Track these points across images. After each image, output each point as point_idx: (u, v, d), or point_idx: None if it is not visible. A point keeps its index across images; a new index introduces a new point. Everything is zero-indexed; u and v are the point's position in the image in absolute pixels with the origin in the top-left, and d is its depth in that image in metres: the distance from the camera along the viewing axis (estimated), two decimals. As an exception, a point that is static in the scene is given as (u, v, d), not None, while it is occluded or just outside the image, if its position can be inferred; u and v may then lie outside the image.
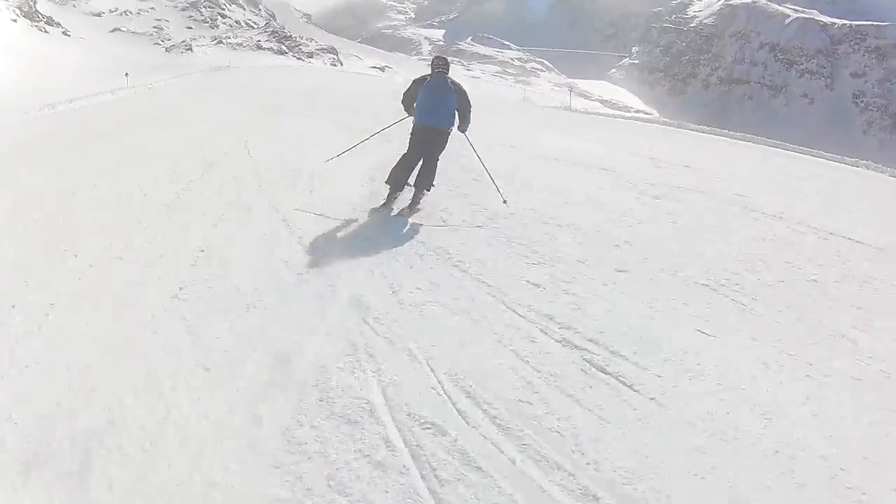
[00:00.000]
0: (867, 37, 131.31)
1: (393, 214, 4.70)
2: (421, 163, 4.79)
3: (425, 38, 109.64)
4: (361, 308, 3.10)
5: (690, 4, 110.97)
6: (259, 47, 52.65)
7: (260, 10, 75.36)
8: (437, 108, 4.71)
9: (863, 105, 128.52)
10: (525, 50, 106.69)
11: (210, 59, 38.59)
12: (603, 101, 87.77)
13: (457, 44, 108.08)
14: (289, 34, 56.99)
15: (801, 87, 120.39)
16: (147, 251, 3.73)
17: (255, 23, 66.32)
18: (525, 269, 3.78)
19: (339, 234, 4.29)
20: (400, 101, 4.99)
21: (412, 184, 4.82)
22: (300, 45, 55.33)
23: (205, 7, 62.91)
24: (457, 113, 4.83)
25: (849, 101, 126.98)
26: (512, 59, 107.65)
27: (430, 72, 4.84)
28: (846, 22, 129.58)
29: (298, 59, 51.00)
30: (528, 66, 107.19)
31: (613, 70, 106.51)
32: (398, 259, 3.80)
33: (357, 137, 6.04)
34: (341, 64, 58.48)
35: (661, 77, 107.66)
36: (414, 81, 4.88)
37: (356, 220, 4.57)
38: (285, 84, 20.81)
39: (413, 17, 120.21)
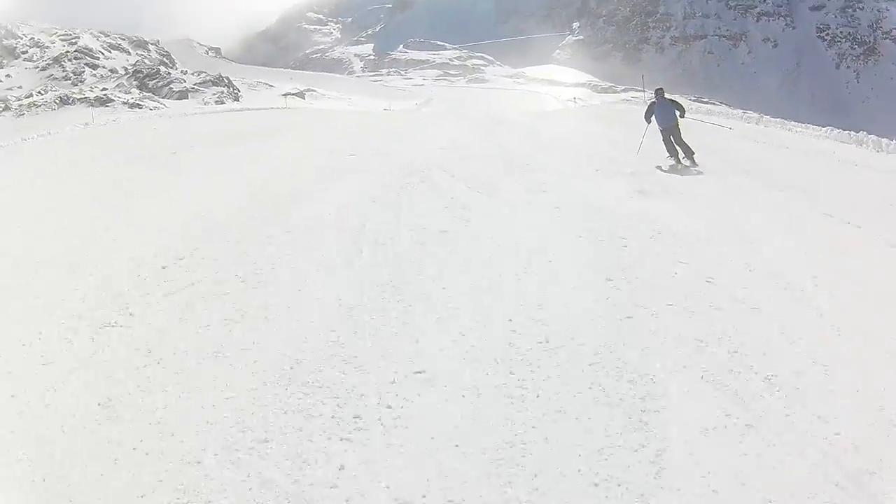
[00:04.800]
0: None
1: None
2: (673, 139, 8.63)
3: (355, 55, 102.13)
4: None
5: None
6: (63, 102, 39.24)
7: (149, 50, 66.06)
8: (667, 114, 8.76)
9: (829, 38, 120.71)
10: (461, 47, 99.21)
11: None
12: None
13: (389, 54, 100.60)
14: (156, 70, 47.56)
15: (761, 31, 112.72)
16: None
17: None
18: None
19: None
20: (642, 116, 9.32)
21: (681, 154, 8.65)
22: (171, 82, 45.74)
23: (70, 60, 54.04)
24: (677, 112, 8.80)
25: (814, 37, 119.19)
26: (451, 59, 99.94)
27: (654, 97, 9.07)
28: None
29: (131, 106, 38.10)
30: (470, 62, 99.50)
31: (557, 51, 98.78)
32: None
33: None
34: (236, 99, 48.48)
35: (610, 48, 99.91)
36: (650, 104, 9.13)
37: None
38: None
39: (339, 37, 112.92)
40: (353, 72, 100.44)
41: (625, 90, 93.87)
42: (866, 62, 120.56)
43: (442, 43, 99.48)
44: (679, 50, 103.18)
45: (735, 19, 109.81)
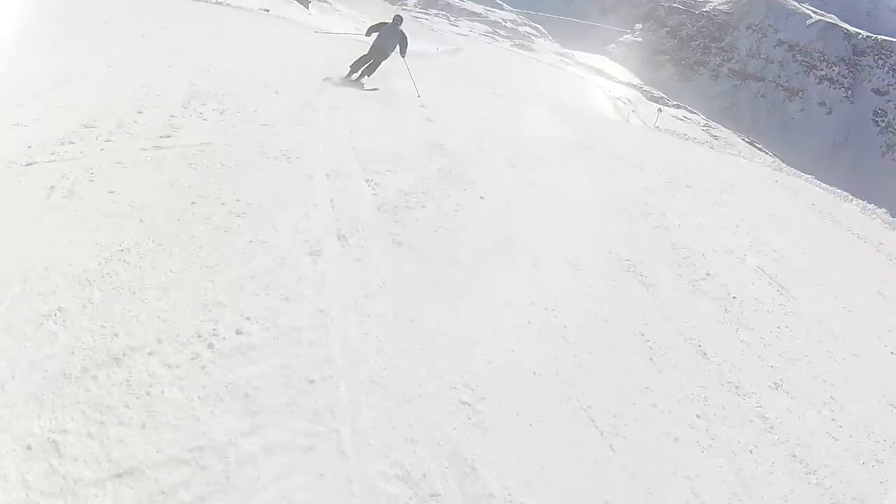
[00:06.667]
0: (893, 54, 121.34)
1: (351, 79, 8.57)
2: (370, 63, 8.56)
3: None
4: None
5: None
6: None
7: None
8: (388, 41, 8.48)
9: (883, 125, 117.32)
10: (519, 12, 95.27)
11: None
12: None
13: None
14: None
15: (819, 93, 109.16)
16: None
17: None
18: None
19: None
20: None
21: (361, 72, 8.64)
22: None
23: None
24: (398, 47, 8.63)
25: (868, 118, 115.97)
26: (504, 20, 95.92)
27: (390, 21, 8.64)
28: (870, 34, 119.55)
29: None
30: (522, 29, 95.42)
31: (612, 45, 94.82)
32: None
33: None
34: None
35: (665, 60, 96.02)
36: (380, 21, 8.66)
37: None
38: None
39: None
40: (405, 4, 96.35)
41: (676, 106, 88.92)
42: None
43: (501, 2, 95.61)
44: (734, 84, 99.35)
45: (797, 73, 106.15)
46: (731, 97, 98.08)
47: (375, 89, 8.61)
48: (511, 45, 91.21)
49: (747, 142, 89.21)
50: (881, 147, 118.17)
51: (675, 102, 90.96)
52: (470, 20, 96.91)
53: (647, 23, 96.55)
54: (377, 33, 8.64)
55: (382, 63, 8.70)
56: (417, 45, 44.23)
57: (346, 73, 8.54)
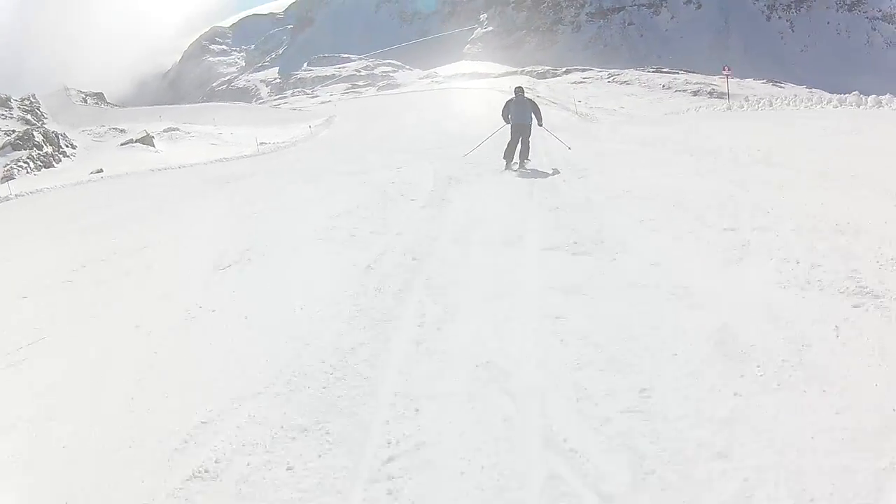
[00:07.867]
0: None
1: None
2: (521, 144, 8.30)
3: (261, 80, 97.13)
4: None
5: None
6: None
7: (11, 107, 55.90)
8: (522, 115, 8.38)
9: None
10: (366, 56, 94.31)
11: None
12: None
13: (293, 75, 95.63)
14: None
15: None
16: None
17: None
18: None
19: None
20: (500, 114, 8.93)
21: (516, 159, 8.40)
22: None
23: None
24: (533, 115, 8.45)
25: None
26: (357, 70, 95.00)
27: (514, 95, 8.60)
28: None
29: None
30: (378, 70, 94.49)
31: (468, 46, 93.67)
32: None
33: None
34: (48, 166, 37.91)
35: (523, 35, 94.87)
36: (507, 101, 8.70)
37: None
38: None
39: (244, 65, 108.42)
40: (261, 98, 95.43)
41: (566, 72, 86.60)
42: (798, 10, 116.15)
43: (346, 55, 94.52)
44: (597, 26, 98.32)
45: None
46: (600, 40, 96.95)
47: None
48: (377, 91, 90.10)
49: (653, 71, 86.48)
50: (763, 13, 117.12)
51: (563, 69, 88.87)
52: (326, 85, 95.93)
53: (491, 9, 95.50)
54: (510, 114, 8.52)
55: (530, 136, 8.44)
56: (291, 131, 41.74)
57: (504, 165, 8.19)
